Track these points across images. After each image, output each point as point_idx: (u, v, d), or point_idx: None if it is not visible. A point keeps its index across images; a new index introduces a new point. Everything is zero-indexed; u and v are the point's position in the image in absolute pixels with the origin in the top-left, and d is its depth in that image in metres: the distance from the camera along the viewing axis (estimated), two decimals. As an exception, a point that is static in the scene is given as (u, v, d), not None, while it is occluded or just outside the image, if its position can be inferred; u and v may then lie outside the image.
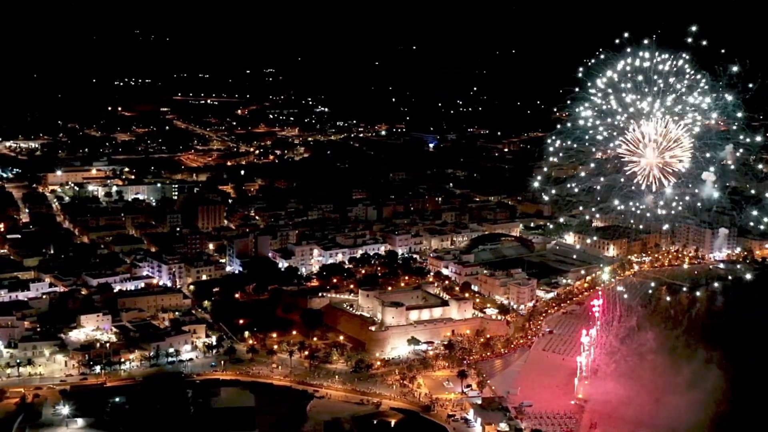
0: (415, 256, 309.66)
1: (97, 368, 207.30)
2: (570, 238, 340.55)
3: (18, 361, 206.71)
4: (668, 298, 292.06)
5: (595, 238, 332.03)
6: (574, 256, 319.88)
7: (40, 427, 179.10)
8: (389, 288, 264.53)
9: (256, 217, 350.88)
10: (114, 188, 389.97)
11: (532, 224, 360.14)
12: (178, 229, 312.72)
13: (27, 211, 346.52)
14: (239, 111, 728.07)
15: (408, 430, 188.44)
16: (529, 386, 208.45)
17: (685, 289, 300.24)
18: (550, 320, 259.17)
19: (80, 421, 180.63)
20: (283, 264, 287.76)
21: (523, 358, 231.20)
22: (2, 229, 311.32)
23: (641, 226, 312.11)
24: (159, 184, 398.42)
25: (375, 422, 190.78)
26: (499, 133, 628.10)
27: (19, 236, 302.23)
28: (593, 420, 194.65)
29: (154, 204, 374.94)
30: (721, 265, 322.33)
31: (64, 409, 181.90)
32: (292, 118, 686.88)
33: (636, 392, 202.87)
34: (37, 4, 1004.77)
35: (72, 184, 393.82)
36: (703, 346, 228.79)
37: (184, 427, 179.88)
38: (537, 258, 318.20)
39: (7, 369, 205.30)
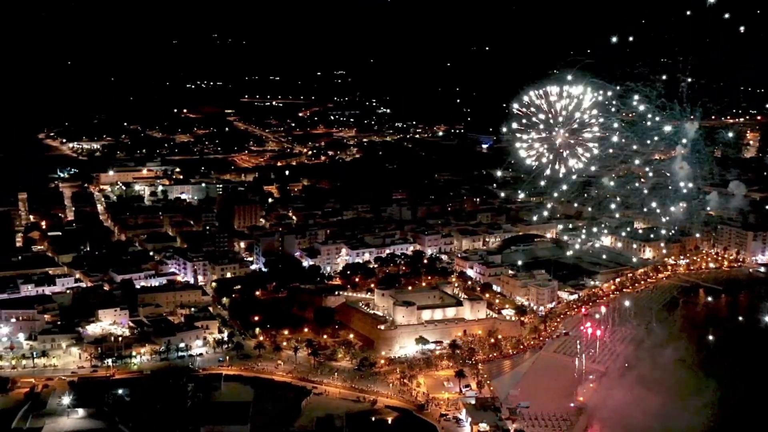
0: (442, 256, 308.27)
1: (108, 361, 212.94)
2: (607, 240, 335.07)
3: (33, 353, 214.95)
4: (701, 303, 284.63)
5: (629, 239, 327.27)
6: (610, 258, 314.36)
7: (44, 416, 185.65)
8: (409, 288, 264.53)
9: (293, 217, 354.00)
10: (159, 188, 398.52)
11: (570, 225, 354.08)
12: (207, 227, 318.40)
13: (73, 209, 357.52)
14: (301, 112, 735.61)
15: (399, 428, 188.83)
16: (532, 387, 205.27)
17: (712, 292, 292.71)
18: (568, 322, 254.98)
19: (81, 411, 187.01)
20: (308, 263, 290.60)
21: (532, 360, 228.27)
22: (44, 227, 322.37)
23: (674, 230, 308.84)
24: (204, 184, 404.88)
25: (373, 419, 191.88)
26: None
27: (60, 233, 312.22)
28: (590, 423, 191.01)
29: (195, 203, 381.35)
30: (762, 269, 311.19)
31: (66, 399, 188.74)
32: (352, 120, 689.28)
33: (644, 401, 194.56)
34: (123, 10, 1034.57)
35: (120, 184, 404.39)
36: (732, 358, 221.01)
37: (180, 420, 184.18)
38: (571, 259, 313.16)
39: (23, 360, 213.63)
